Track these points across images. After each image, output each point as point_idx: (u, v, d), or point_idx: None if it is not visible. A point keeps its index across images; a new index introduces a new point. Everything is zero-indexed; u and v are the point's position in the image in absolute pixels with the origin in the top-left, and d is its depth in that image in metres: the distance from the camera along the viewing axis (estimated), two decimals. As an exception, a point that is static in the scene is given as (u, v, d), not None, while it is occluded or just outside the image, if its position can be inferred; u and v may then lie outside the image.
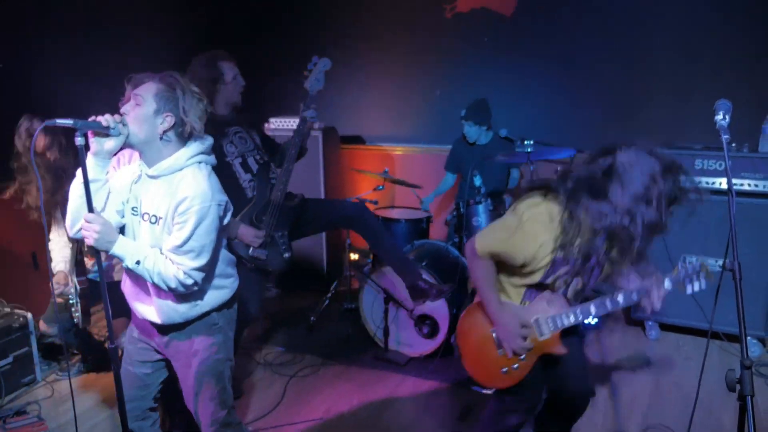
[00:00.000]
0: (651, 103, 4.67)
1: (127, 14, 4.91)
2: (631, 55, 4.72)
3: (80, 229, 2.08)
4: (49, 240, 3.44)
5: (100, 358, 3.84)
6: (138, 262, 2.06)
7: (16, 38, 4.12)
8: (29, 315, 3.74)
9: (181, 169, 2.10)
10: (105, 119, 1.97)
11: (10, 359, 3.62)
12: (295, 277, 5.15)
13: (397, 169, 5.58)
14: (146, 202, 2.13)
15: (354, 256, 4.77)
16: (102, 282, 2.08)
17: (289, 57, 5.44)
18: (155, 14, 5.15)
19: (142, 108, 2.04)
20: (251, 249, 3.19)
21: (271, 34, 5.84)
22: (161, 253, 2.11)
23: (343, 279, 4.89)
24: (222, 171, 3.25)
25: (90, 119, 1.96)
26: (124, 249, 2.06)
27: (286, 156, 3.31)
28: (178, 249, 2.07)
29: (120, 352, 3.36)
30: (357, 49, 5.53)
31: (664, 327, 4.25)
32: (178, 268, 2.07)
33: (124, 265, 2.10)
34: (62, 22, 4.42)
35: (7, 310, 3.78)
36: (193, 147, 2.13)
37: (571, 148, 4.08)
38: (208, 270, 2.18)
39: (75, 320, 3.24)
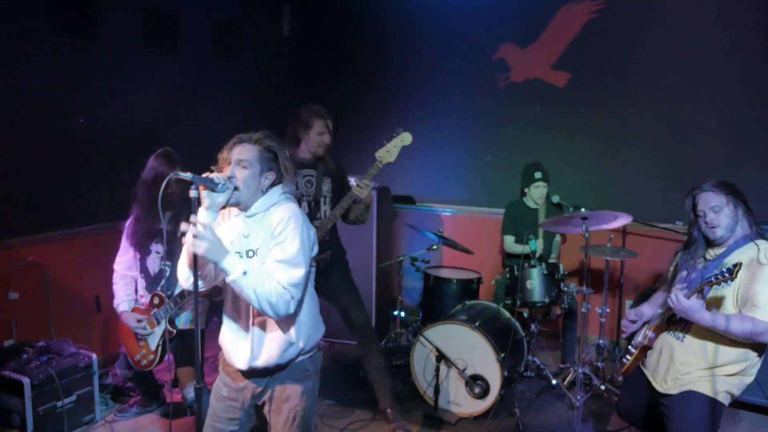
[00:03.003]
0: (701, 173, 4.73)
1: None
2: (680, 125, 4.85)
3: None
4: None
5: (157, 399, 3.95)
6: (245, 273, 2.15)
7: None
8: (93, 355, 3.88)
9: (273, 204, 2.33)
10: (216, 177, 2.18)
11: (73, 398, 3.74)
12: (343, 330, 5.23)
13: (446, 229, 5.68)
14: (244, 240, 2.31)
15: (403, 314, 4.85)
16: (196, 326, 2.25)
17: (350, 118, 5.73)
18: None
19: (249, 170, 2.28)
20: None
21: (336, 93, 6.13)
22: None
23: (392, 335, 4.95)
24: None
25: (204, 175, 2.16)
26: (234, 262, 2.16)
27: (330, 213, 3.48)
28: (279, 261, 2.21)
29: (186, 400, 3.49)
30: (412, 112, 5.76)
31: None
32: (278, 282, 2.18)
33: (229, 279, 2.16)
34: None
35: (73, 350, 3.93)
36: (280, 187, 2.39)
37: (626, 215, 4.15)
38: (300, 294, 2.26)
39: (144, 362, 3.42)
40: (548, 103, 5.28)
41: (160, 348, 3.47)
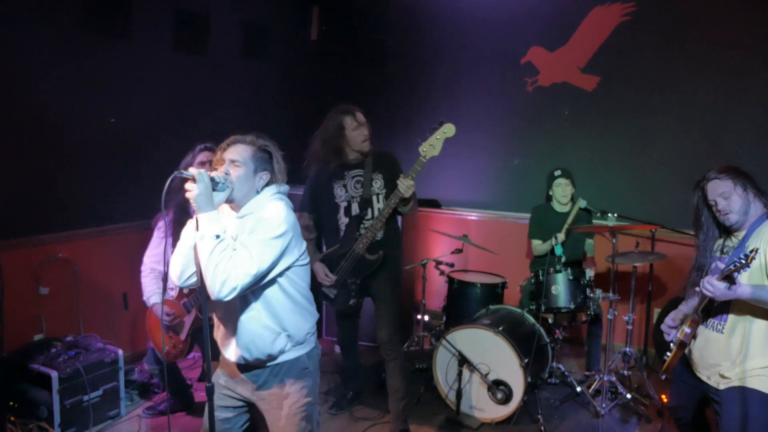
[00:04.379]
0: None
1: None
2: (712, 132, 4.75)
3: (189, 277, 2.30)
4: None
5: (185, 397, 3.98)
6: (218, 237, 2.14)
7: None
8: (120, 351, 3.94)
9: (264, 204, 2.33)
10: (216, 176, 2.22)
11: (99, 392, 3.80)
12: (365, 332, 5.24)
13: (472, 233, 5.64)
14: (232, 243, 2.27)
15: (426, 318, 4.82)
16: (204, 319, 2.27)
17: (377, 122, 5.74)
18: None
19: (242, 169, 2.31)
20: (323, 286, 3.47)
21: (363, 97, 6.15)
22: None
23: (414, 338, 4.93)
24: (330, 210, 3.54)
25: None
26: (213, 218, 2.15)
27: (378, 214, 3.46)
28: (242, 246, 2.19)
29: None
30: (439, 116, 5.72)
31: None
32: (235, 266, 2.14)
33: (198, 234, 2.15)
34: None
35: (100, 345, 4.00)
36: (274, 186, 2.40)
37: (650, 223, 4.08)
38: (246, 286, 2.19)
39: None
40: (577, 107, 5.22)
41: (189, 338, 3.53)
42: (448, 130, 3.22)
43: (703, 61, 4.75)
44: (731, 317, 2.63)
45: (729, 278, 2.48)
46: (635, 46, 4.96)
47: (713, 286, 2.50)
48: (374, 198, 3.57)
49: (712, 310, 2.70)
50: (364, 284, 3.58)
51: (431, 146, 3.25)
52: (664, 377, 2.97)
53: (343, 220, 3.56)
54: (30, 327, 4.02)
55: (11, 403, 3.61)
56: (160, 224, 3.57)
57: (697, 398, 2.86)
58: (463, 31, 5.62)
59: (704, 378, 2.74)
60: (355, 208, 3.56)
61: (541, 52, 5.31)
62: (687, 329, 2.79)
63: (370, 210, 3.57)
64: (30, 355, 3.73)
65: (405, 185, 3.26)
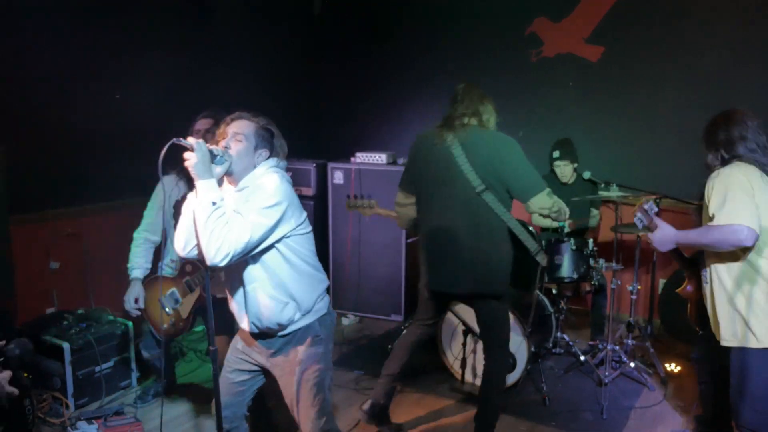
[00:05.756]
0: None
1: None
2: (718, 102, 4.67)
3: (192, 248, 2.33)
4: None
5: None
6: (214, 204, 2.17)
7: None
8: (130, 323, 4.01)
9: (260, 177, 2.36)
10: (215, 149, 2.26)
11: (111, 363, 3.90)
12: (373, 305, 5.32)
13: (477, 206, 5.68)
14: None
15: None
16: (207, 287, 2.32)
17: (382, 95, 5.78)
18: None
19: (243, 144, 2.35)
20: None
21: (366, 70, 6.16)
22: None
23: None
24: None
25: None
26: (211, 186, 2.19)
27: None
28: (237, 211, 2.23)
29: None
30: (444, 89, 5.72)
31: None
32: (229, 233, 2.17)
33: (195, 201, 2.20)
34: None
35: (111, 317, 4.08)
36: (271, 160, 2.43)
37: (654, 193, 4.08)
38: (239, 254, 2.21)
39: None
40: (581, 77, 5.19)
41: (192, 316, 3.47)
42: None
43: (709, 31, 4.69)
44: (710, 269, 2.69)
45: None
46: (640, 16, 4.90)
47: (652, 236, 2.72)
48: None
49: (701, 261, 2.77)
50: None
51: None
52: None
53: None
54: (42, 301, 4.11)
55: (25, 374, 3.69)
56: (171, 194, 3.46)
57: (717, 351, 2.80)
58: (468, 3, 5.57)
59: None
60: None
61: (545, 22, 5.26)
62: (688, 287, 2.97)
63: None
64: (42, 327, 3.83)
65: None
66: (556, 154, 4.57)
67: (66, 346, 3.64)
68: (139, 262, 3.52)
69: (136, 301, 3.48)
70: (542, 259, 3.18)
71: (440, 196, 3.12)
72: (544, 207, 3.00)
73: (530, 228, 3.28)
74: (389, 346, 4.48)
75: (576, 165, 4.60)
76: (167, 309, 3.46)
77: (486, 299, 3.14)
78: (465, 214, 3.04)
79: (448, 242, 3.09)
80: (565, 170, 4.57)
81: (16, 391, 2.21)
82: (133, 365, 4.02)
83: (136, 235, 3.57)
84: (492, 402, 3.31)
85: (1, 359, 2.24)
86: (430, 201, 3.19)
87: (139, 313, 3.53)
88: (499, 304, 3.17)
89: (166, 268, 3.52)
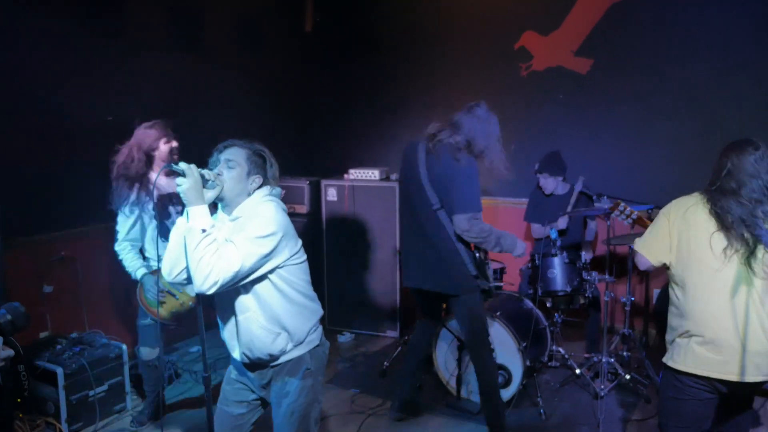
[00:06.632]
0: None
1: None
2: (708, 112, 4.73)
3: (179, 273, 2.33)
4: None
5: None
6: (204, 231, 2.17)
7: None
8: (124, 346, 4.00)
9: (255, 206, 2.35)
10: (207, 173, 2.27)
11: (105, 387, 3.87)
12: (368, 322, 5.31)
13: (471, 220, 5.69)
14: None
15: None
16: (199, 314, 2.31)
17: (373, 110, 5.81)
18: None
19: (236, 170, 2.36)
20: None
21: (359, 86, 6.19)
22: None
23: (416, 325, 4.96)
24: None
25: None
26: (202, 212, 2.20)
27: None
28: (228, 242, 2.23)
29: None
30: (435, 103, 5.76)
31: None
32: (218, 261, 2.16)
33: (185, 226, 2.20)
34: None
35: (105, 341, 4.06)
36: (266, 188, 2.43)
37: (648, 204, 4.09)
38: (228, 283, 2.21)
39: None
40: (571, 90, 5.22)
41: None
42: None
43: (697, 41, 4.72)
44: None
45: None
46: (628, 28, 4.94)
47: None
48: None
49: None
50: None
51: None
52: None
53: None
54: (35, 325, 4.09)
55: (18, 400, 3.68)
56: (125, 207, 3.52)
57: None
58: (457, 19, 5.62)
59: None
60: None
61: (534, 36, 5.30)
62: None
63: None
64: (36, 352, 3.80)
65: None
66: (536, 167, 4.65)
67: (59, 370, 3.62)
68: (138, 263, 3.57)
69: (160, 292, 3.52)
70: (482, 283, 3.42)
71: (410, 205, 3.48)
72: (459, 227, 3.26)
73: (476, 255, 3.41)
74: (385, 364, 4.50)
75: (560, 178, 4.61)
76: (175, 296, 3.54)
77: (453, 297, 3.46)
78: (425, 225, 3.39)
79: (416, 246, 3.48)
80: (548, 182, 4.62)
81: (11, 351, 2.21)
82: (128, 388, 4.01)
83: (117, 247, 3.59)
84: (492, 401, 3.51)
85: None
86: (404, 208, 3.62)
87: (164, 300, 3.55)
88: (467, 298, 3.41)
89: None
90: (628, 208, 3.16)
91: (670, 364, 2.52)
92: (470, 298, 3.42)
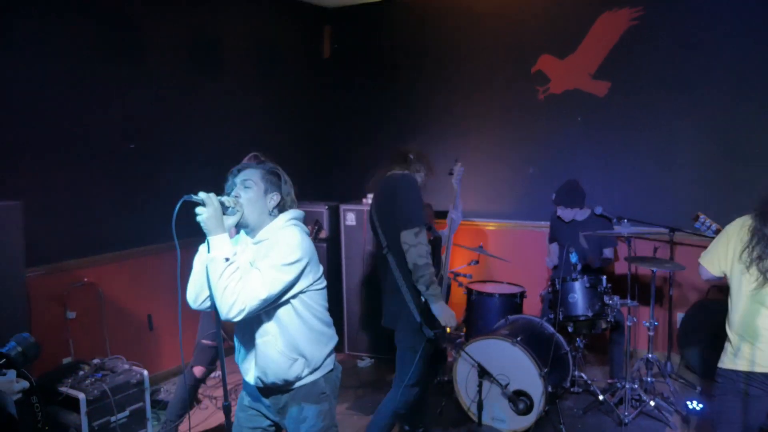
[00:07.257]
0: (749, 184, 4.57)
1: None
2: (729, 135, 4.70)
3: (203, 301, 2.34)
4: None
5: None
6: (227, 260, 2.17)
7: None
8: (145, 372, 4.02)
9: (279, 230, 2.36)
10: (226, 199, 2.28)
11: (126, 413, 3.88)
12: (388, 346, 5.27)
13: (490, 244, 5.67)
14: (249, 268, 2.31)
15: (448, 329, 4.83)
16: (219, 339, 2.31)
17: (391, 136, 5.84)
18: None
19: (253, 190, 2.36)
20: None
21: (377, 112, 6.24)
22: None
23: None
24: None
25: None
26: (222, 242, 2.19)
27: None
28: (254, 264, 2.24)
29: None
30: (452, 128, 5.79)
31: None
32: (245, 287, 2.18)
33: (209, 256, 2.19)
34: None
35: (126, 367, 4.08)
36: (290, 212, 2.43)
37: (665, 227, 4.05)
38: (254, 309, 2.22)
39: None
40: (589, 113, 5.22)
41: None
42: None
43: (715, 61, 4.71)
44: None
45: None
46: (645, 50, 4.95)
47: None
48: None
49: None
50: None
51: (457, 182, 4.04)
52: None
53: None
54: (59, 351, 4.14)
55: (41, 426, 3.70)
56: None
57: None
58: (473, 44, 5.67)
59: None
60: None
61: (551, 59, 5.32)
62: None
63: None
64: (59, 378, 3.83)
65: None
66: (553, 197, 4.63)
67: (81, 396, 3.64)
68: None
69: None
70: (426, 331, 3.39)
71: (373, 243, 3.64)
72: (406, 242, 3.24)
73: (423, 299, 3.38)
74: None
75: (577, 207, 4.58)
76: None
77: (396, 333, 3.52)
78: (379, 269, 3.55)
79: (380, 282, 3.61)
80: (565, 212, 4.62)
81: (26, 383, 2.21)
82: (149, 414, 4.01)
83: None
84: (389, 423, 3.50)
85: (3, 360, 2.23)
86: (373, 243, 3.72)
87: None
88: (404, 336, 3.46)
89: None
90: (708, 220, 3.58)
91: (727, 366, 2.76)
92: (408, 342, 3.45)
